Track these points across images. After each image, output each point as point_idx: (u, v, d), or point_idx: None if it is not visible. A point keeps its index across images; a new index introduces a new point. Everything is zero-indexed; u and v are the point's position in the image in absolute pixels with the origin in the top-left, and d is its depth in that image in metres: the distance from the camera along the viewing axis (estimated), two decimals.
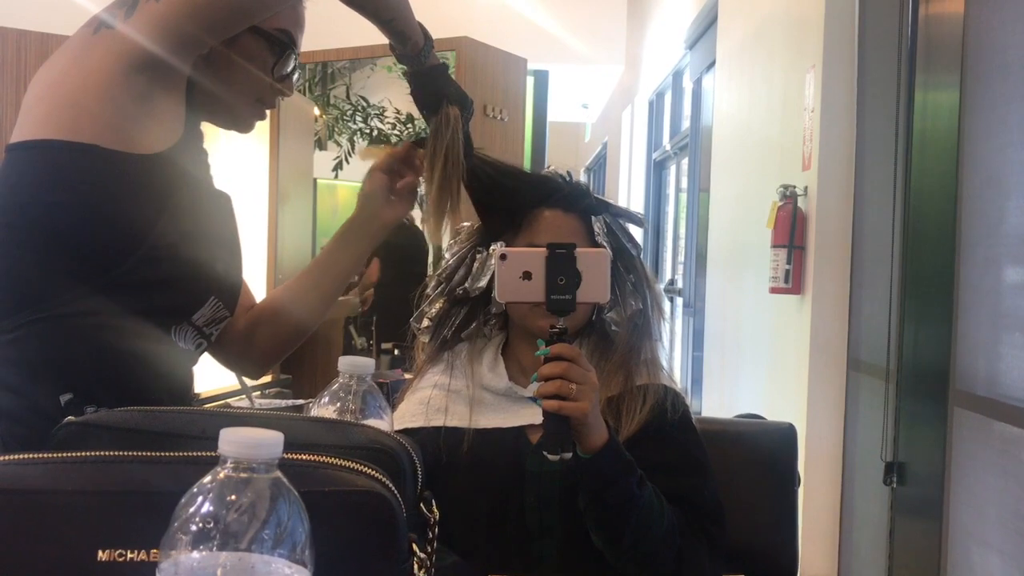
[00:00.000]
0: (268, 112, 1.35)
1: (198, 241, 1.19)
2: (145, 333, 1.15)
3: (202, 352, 1.27)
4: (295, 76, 1.33)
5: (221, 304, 1.24)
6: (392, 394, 1.71)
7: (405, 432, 1.34)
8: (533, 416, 1.31)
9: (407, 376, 1.55)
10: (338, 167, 7.90)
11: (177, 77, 1.17)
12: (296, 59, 1.32)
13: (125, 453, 0.72)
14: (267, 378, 4.19)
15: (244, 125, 1.32)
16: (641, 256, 1.43)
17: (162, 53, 1.11)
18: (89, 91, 1.10)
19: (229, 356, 1.38)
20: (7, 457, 0.72)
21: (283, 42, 1.27)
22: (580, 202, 1.39)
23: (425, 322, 1.45)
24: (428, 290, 1.47)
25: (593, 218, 1.39)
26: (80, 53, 1.12)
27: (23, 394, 1.09)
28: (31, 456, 0.73)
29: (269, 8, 1.21)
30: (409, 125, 7.52)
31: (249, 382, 1.49)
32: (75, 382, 1.10)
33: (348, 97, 7.79)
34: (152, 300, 1.15)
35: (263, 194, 4.89)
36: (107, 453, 0.73)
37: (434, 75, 1.34)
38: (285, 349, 1.44)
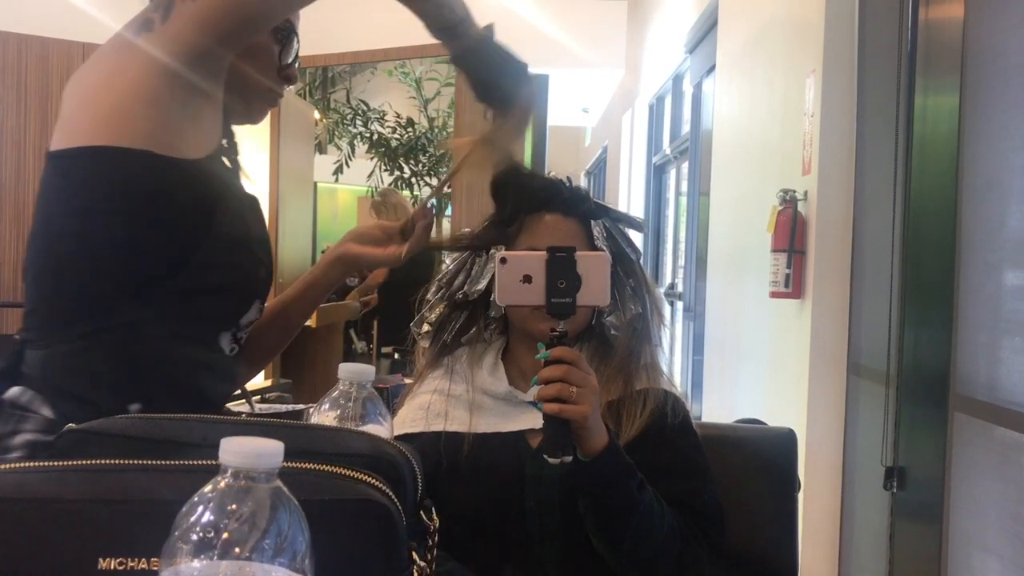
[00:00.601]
0: (270, 110, 1.37)
1: (245, 245, 1.21)
2: (200, 339, 1.17)
3: (238, 356, 1.27)
4: (297, 64, 1.34)
5: (261, 306, 1.27)
6: (392, 399, 1.71)
7: (405, 437, 1.34)
8: (533, 420, 1.31)
9: (407, 381, 1.55)
10: (338, 171, 7.91)
11: (216, 80, 1.18)
12: (298, 46, 1.33)
13: (126, 461, 0.73)
14: (267, 382, 4.20)
15: (256, 116, 1.34)
16: (640, 261, 1.44)
17: (202, 54, 1.11)
18: (136, 96, 1.10)
19: None
20: (8, 465, 0.73)
21: (286, 30, 1.29)
22: (580, 207, 1.39)
23: (425, 327, 1.46)
24: (428, 295, 1.47)
25: (593, 222, 1.39)
26: (122, 58, 1.12)
27: (90, 402, 1.09)
28: (32, 464, 0.73)
29: (295, 7, 1.22)
30: (409, 129, 7.53)
31: (249, 386, 1.50)
32: (139, 389, 1.10)
33: (348, 101, 7.80)
34: (208, 306, 1.17)
35: (263, 198, 4.88)
36: (108, 461, 0.73)
37: (488, 58, 1.26)
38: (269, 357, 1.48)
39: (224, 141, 1.24)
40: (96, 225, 1.11)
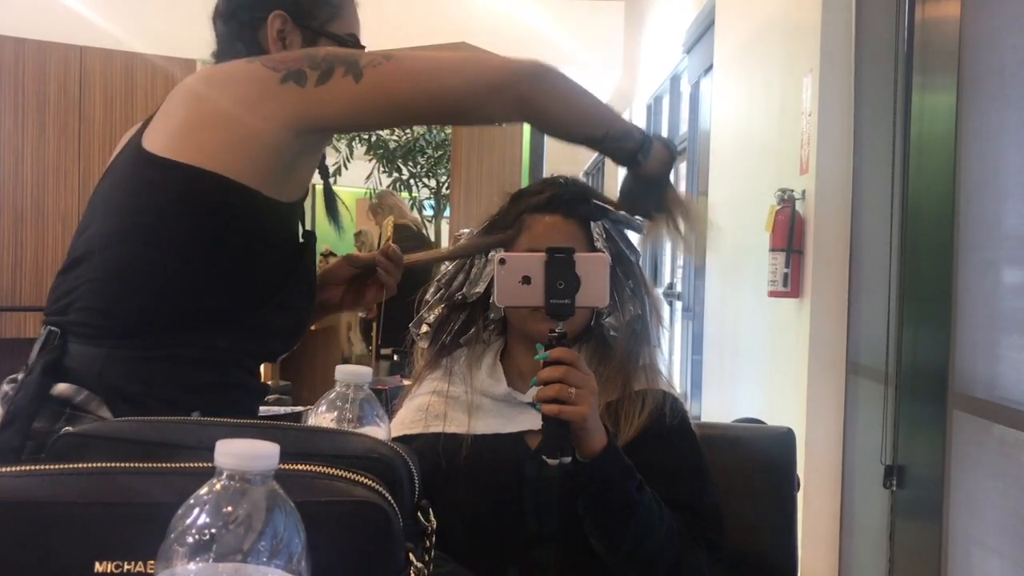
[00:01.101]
0: None
1: (312, 295, 1.27)
2: (249, 367, 1.21)
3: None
4: None
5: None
6: (391, 400, 1.71)
7: (404, 438, 1.34)
8: (532, 421, 1.31)
9: (406, 382, 1.55)
10: (336, 172, 7.90)
11: (324, 146, 1.24)
12: None
13: (122, 464, 0.72)
14: (266, 384, 4.19)
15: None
16: (640, 262, 1.44)
17: (338, 128, 1.16)
18: (262, 138, 1.13)
19: None
20: (3, 469, 0.73)
21: (354, 46, 1.33)
22: (579, 208, 1.39)
23: (424, 328, 1.46)
24: (427, 296, 1.47)
25: (592, 224, 1.39)
26: (263, 96, 1.14)
27: (152, 411, 1.09)
28: (27, 468, 0.73)
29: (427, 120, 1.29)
30: (407, 130, 7.53)
31: None
32: (193, 404, 1.11)
33: None
34: (272, 344, 1.23)
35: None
36: (104, 464, 0.73)
37: (655, 184, 1.35)
38: None
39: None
40: (196, 248, 1.13)
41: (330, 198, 1.36)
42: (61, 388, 1.10)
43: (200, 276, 1.13)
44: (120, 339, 1.12)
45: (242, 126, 1.13)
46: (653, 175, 1.33)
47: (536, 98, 1.19)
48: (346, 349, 5.85)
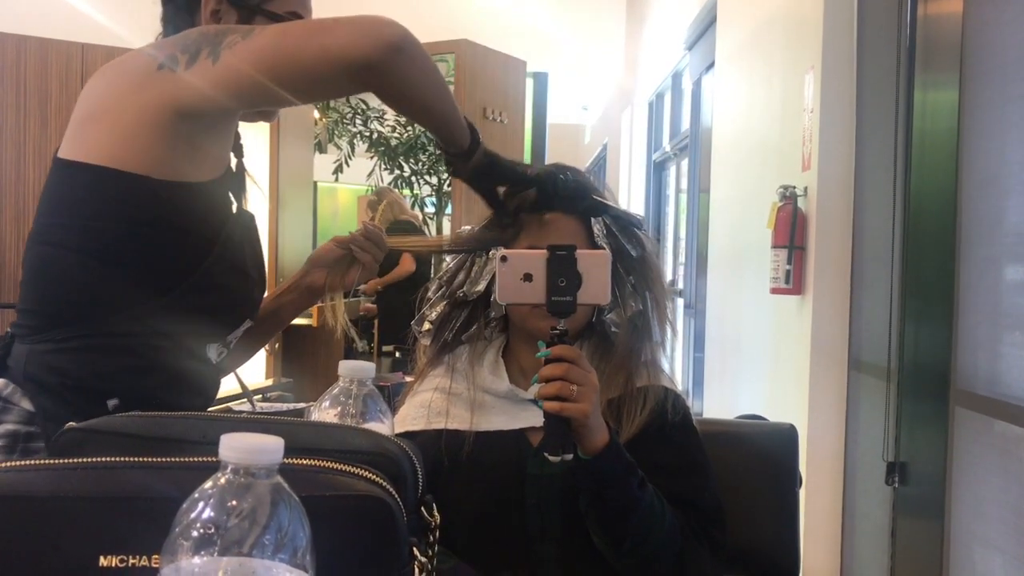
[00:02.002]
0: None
1: (241, 270, 1.25)
2: (187, 350, 1.21)
3: (224, 361, 1.32)
4: None
5: (251, 322, 1.31)
6: (393, 396, 1.71)
7: (406, 435, 1.34)
8: (534, 418, 1.31)
9: (408, 379, 1.55)
10: (338, 170, 7.90)
11: (225, 123, 1.22)
12: None
13: (126, 459, 0.73)
14: (268, 381, 4.20)
15: (269, 114, 1.36)
16: (648, 254, 1.42)
17: (214, 108, 1.14)
18: (144, 126, 1.13)
19: None
20: (8, 464, 0.73)
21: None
22: (580, 204, 1.39)
23: (426, 325, 1.46)
24: (429, 293, 1.47)
25: (593, 220, 1.39)
26: (139, 85, 1.15)
27: (68, 401, 1.14)
28: (32, 463, 0.73)
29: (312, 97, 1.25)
30: (409, 128, 7.52)
31: (251, 386, 1.51)
32: (119, 392, 1.14)
33: (348, 100, 7.79)
34: (199, 324, 1.21)
35: (263, 197, 4.89)
36: (108, 459, 0.73)
37: (491, 170, 1.32)
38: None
39: (233, 163, 1.29)
40: (96, 240, 1.15)
41: (239, 176, 1.33)
42: None
43: (98, 267, 1.15)
44: (39, 334, 1.17)
45: (123, 114, 1.14)
46: (469, 176, 1.31)
47: (395, 74, 1.12)
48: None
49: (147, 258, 1.15)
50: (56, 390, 1.14)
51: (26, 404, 1.15)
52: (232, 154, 1.31)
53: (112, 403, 1.13)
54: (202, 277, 1.17)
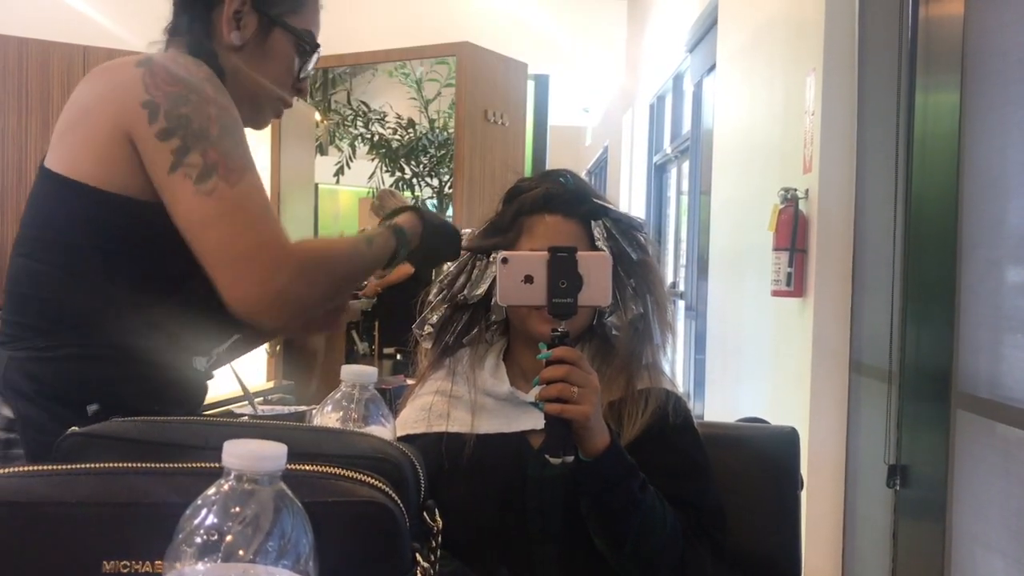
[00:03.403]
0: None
1: None
2: (170, 363, 1.21)
3: (212, 368, 1.32)
4: (309, 77, 1.37)
5: (241, 337, 1.31)
6: (394, 400, 1.71)
7: (407, 438, 1.34)
8: (535, 421, 1.31)
9: (409, 382, 1.55)
10: (339, 172, 7.91)
11: None
12: (317, 60, 1.37)
13: (128, 465, 0.73)
14: (270, 384, 4.20)
15: (262, 121, 1.38)
16: (649, 257, 1.42)
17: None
18: (125, 148, 1.14)
19: None
20: (10, 469, 0.73)
21: (309, 42, 1.32)
22: (580, 207, 1.39)
23: (427, 328, 1.46)
24: (430, 296, 1.47)
25: (593, 223, 1.39)
26: (118, 103, 1.15)
27: (47, 408, 1.14)
28: (35, 468, 0.73)
29: None
30: (410, 130, 7.53)
31: (252, 388, 1.51)
32: (102, 399, 1.14)
33: (349, 102, 7.80)
34: (182, 338, 1.21)
35: None
36: (110, 465, 0.73)
37: (423, 255, 1.39)
38: None
39: None
40: (79, 258, 1.16)
41: None
42: None
43: (80, 284, 1.16)
44: (15, 341, 1.18)
45: (104, 133, 1.14)
46: (432, 257, 1.39)
47: (300, 309, 1.19)
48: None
49: (132, 276, 1.16)
50: (33, 397, 1.15)
51: (5, 411, 1.16)
52: None
53: (92, 408, 1.13)
54: (187, 295, 1.17)
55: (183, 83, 1.14)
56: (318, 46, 1.34)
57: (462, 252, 1.45)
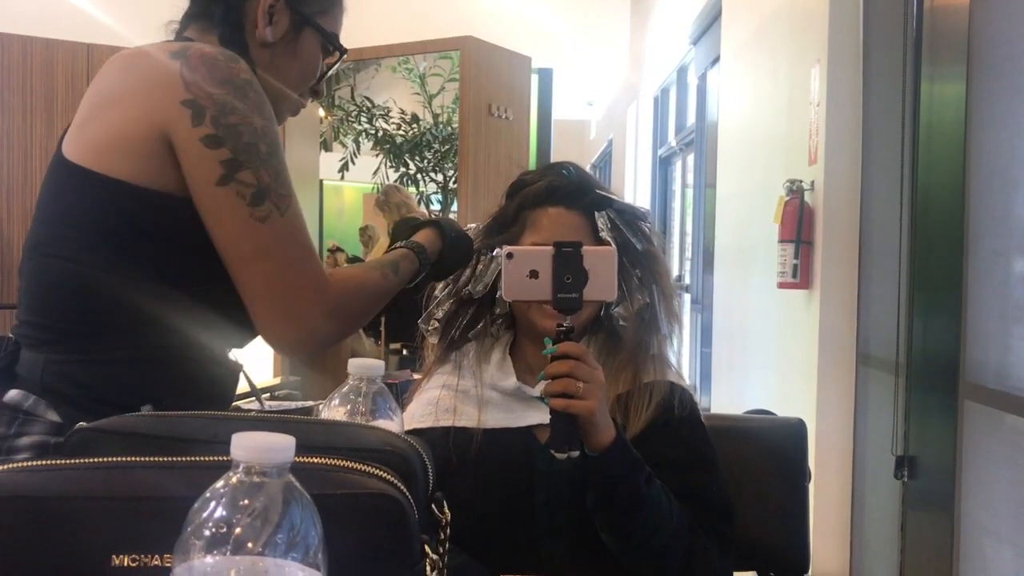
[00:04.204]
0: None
1: None
2: (210, 355, 1.20)
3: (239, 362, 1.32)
4: (326, 80, 1.38)
5: None
6: (401, 394, 1.71)
7: (414, 432, 1.34)
8: (541, 416, 1.31)
9: (416, 376, 1.55)
10: (344, 168, 7.90)
11: None
12: (340, 63, 1.38)
13: (137, 459, 0.73)
14: (277, 380, 4.20)
15: (279, 120, 1.36)
16: (654, 247, 1.42)
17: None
18: (157, 144, 1.11)
19: None
20: (19, 464, 0.73)
21: (336, 45, 1.33)
22: (583, 199, 1.39)
23: (433, 323, 1.46)
24: (436, 291, 1.47)
25: (596, 214, 1.38)
26: (156, 98, 1.12)
27: (95, 412, 1.10)
28: (43, 463, 0.73)
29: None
30: (414, 125, 7.52)
31: (259, 384, 1.51)
32: (152, 400, 1.12)
33: (353, 98, 7.79)
34: (223, 335, 1.20)
35: None
36: (120, 459, 0.73)
37: (441, 269, 1.38)
38: None
39: None
40: (110, 256, 1.13)
41: None
42: (11, 395, 1.14)
43: (114, 282, 1.12)
44: (52, 345, 1.14)
45: (143, 134, 1.11)
46: (448, 271, 1.39)
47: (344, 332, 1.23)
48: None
49: (178, 274, 1.14)
50: (79, 402, 1.12)
51: (52, 415, 1.12)
52: None
53: (145, 409, 1.10)
54: (229, 288, 1.15)
55: (228, 86, 1.12)
56: (345, 50, 1.34)
57: None
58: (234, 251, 1.12)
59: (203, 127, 1.09)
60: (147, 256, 1.13)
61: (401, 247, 1.31)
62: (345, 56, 1.36)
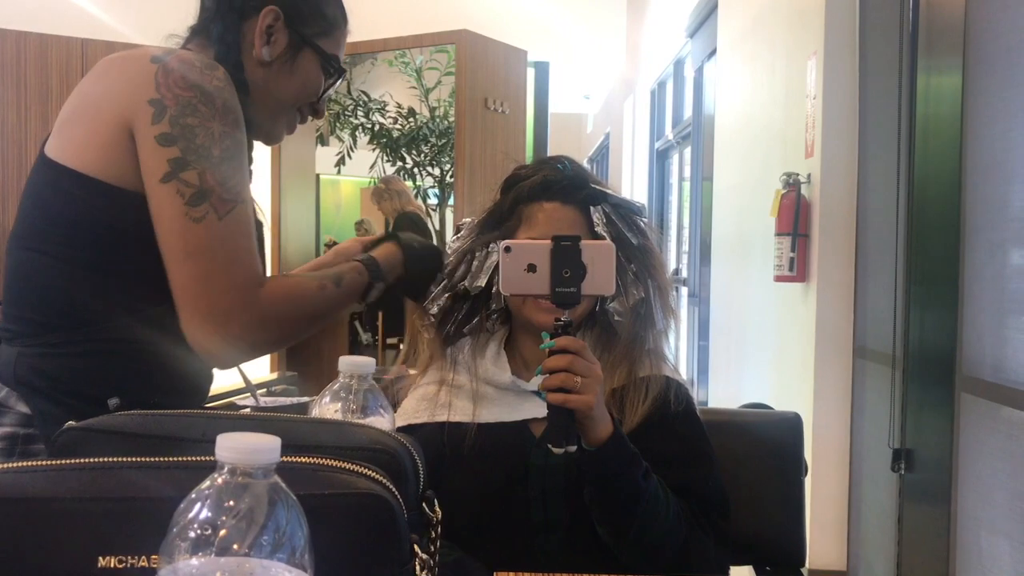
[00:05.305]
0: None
1: None
2: (183, 353, 1.20)
3: None
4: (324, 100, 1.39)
5: None
6: (395, 388, 1.71)
7: (409, 428, 1.34)
8: (536, 410, 1.30)
9: (411, 372, 1.54)
10: (340, 162, 7.89)
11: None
12: (338, 83, 1.38)
13: (124, 459, 0.72)
14: (273, 375, 4.20)
15: (276, 136, 1.39)
16: (649, 242, 1.41)
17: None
18: (129, 142, 1.13)
19: None
20: (6, 465, 0.72)
21: (335, 67, 1.33)
22: (579, 193, 1.38)
23: (428, 318, 1.45)
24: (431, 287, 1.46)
25: (592, 208, 1.38)
26: (127, 97, 1.14)
27: (64, 404, 1.14)
28: (30, 464, 0.72)
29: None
30: (410, 119, 7.51)
31: (254, 379, 1.50)
32: (121, 393, 1.14)
33: (349, 92, 7.78)
34: None
35: (266, 190, 4.89)
36: (106, 459, 0.72)
37: (408, 284, 1.38)
38: None
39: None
40: (83, 250, 1.15)
41: None
42: None
43: (87, 276, 1.15)
44: (26, 338, 1.16)
45: (110, 126, 1.13)
46: (415, 285, 1.39)
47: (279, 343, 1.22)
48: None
49: (140, 269, 1.15)
50: (49, 394, 1.14)
51: (22, 407, 1.15)
52: None
53: (113, 402, 1.13)
54: None
55: (196, 89, 1.13)
56: (344, 71, 1.35)
57: (463, 243, 1.44)
58: (167, 248, 1.13)
59: (160, 125, 1.11)
60: (117, 251, 1.15)
61: (355, 260, 1.31)
62: (344, 76, 1.37)
